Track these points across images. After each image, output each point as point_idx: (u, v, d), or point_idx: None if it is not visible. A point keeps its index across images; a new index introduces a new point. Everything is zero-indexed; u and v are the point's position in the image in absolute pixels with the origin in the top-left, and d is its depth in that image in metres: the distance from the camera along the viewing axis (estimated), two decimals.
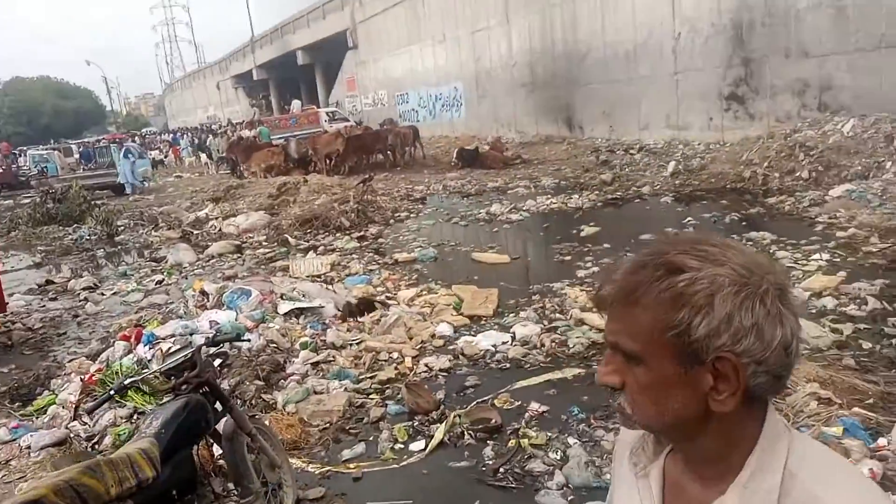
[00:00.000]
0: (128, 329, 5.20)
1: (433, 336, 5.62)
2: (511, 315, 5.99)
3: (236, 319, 5.64)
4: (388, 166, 19.87)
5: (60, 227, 14.25)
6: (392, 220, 11.96)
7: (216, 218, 12.90)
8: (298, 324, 5.77)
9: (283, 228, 11.45)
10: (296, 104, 32.17)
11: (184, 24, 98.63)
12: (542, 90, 22.55)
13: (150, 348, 4.84)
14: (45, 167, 29.50)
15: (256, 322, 5.64)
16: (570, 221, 10.12)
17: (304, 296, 6.32)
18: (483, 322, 5.94)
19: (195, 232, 12.51)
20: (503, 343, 5.32)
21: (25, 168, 30.98)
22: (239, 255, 10.49)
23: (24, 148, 39.11)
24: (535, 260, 8.22)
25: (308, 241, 10.70)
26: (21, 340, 6.90)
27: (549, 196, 12.11)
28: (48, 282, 9.51)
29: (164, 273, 9.28)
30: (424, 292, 7.01)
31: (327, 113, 30.60)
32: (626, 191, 11.75)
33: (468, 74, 26.92)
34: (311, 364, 5.03)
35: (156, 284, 8.80)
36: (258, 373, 4.71)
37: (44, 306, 8.34)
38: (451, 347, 5.39)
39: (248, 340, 4.86)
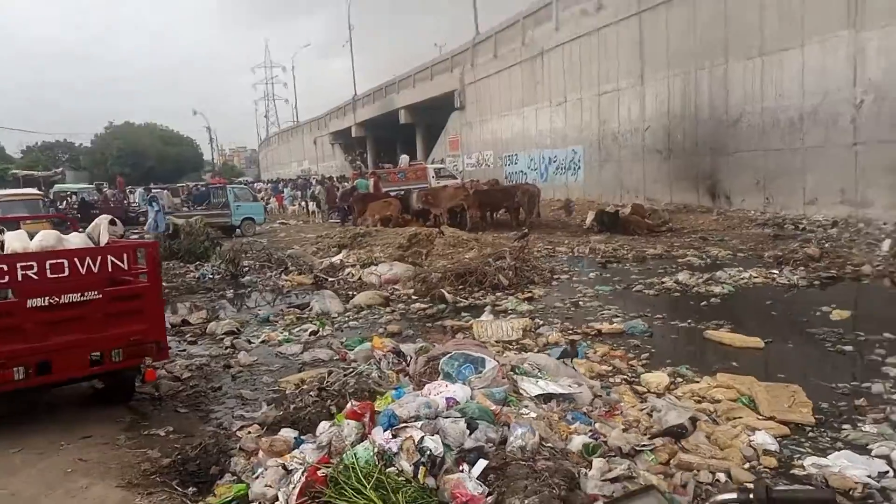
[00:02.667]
0: (358, 404, 3.79)
1: (755, 450, 3.92)
2: (845, 426, 4.24)
3: (472, 398, 4.13)
4: (514, 225, 18.49)
5: (181, 264, 13.43)
6: (553, 282, 10.42)
7: (353, 265, 11.69)
8: (553, 412, 4.19)
9: (432, 282, 10.06)
10: (404, 159, 31.63)
11: (282, 84, 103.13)
12: (681, 156, 20.90)
13: (391, 435, 3.38)
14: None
15: (499, 405, 4.10)
16: (794, 300, 8.30)
17: (539, 371, 4.77)
18: (808, 432, 4.21)
19: (329, 279, 11.31)
20: (882, 473, 3.57)
21: (135, 205, 31.50)
22: (387, 307, 9.17)
23: (133, 187, 40.26)
24: (800, 347, 6.40)
25: (466, 299, 9.25)
26: (170, 392, 5.61)
27: (738, 268, 10.27)
28: (184, 322, 8.38)
29: (317, 323, 7.97)
30: (679, 379, 5.34)
31: (435, 169, 29.81)
32: (839, 269, 9.81)
33: (590, 137, 25.62)
34: (610, 480, 3.42)
35: (310, 335, 7.48)
36: (553, 492, 3.12)
37: (184, 350, 7.11)
38: (796, 472, 3.68)
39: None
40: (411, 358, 5.23)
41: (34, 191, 21.07)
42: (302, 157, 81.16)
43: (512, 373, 4.65)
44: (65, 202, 30.09)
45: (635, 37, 22.42)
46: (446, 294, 9.29)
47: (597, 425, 4.10)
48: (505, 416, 3.99)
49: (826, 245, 11.52)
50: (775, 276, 9.63)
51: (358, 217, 21.05)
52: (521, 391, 4.36)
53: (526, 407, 4.12)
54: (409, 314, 8.66)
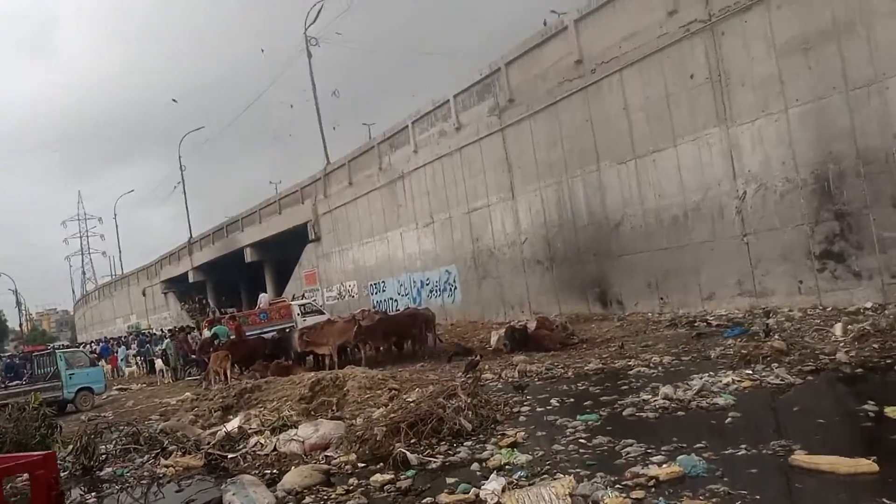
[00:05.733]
0: None
1: None
2: None
3: None
4: (423, 355, 16.63)
5: None
6: (521, 417, 8.66)
7: (258, 432, 9.11)
8: None
9: (376, 440, 7.86)
10: (263, 297, 28.82)
11: (99, 236, 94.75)
12: (564, 265, 20.57)
13: None
14: None
15: None
16: (816, 401, 7.25)
17: None
18: None
19: (230, 455, 8.64)
20: None
21: None
22: (330, 486, 6.83)
23: None
24: None
25: (433, 457, 7.17)
26: None
27: (708, 374, 9.21)
28: None
29: None
30: None
31: (299, 306, 27.41)
32: (815, 360, 9.07)
33: (464, 256, 24.90)
34: None
35: None
36: None
37: None
38: None
39: None
40: None
41: None
42: (129, 312, 73.87)
43: None
44: None
45: (500, 152, 22.52)
46: (408, 454, 7.14)
47: None
48: None
49: (775, 337, 10.91)
50: (759, 378, 8.64)
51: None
52: None
53: None
54: (373, 493, 6.39)
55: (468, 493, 5.74)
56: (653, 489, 5.18)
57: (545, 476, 5.88)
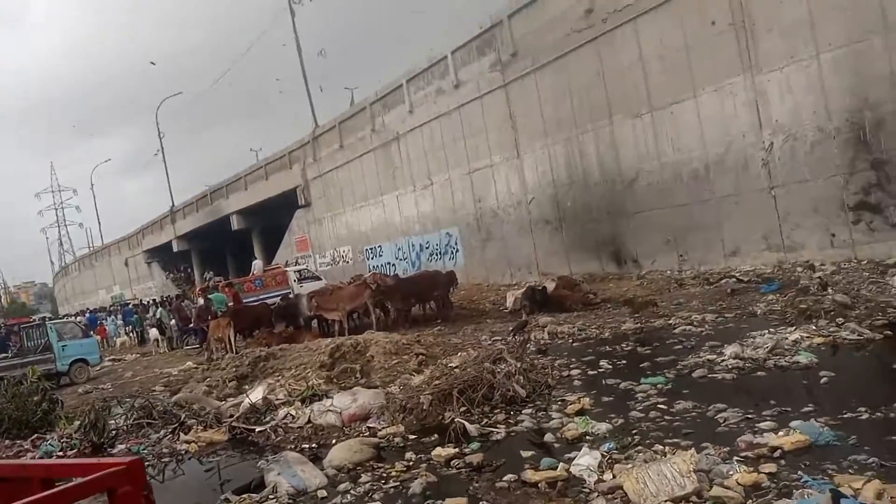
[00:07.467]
0: None
1: None
2: None
3: None
4: (447, 318, 15.90)
5: (9, 441, 9.07)
6: (567, 381, 8.00)
7: (287, 402, 8.34)
8: None
9: (422, 408, 7.15)
10: (257, 264, 27.80)
11: (74, 207, 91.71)
12: (575, 225, 19.85)
13: None
14: None
15: None
16: None
17: None
18: None
19: (258, 429, 7.88)
20: None
21: None
22: (382, 460, 6.12)
23: None
24: None
25: (494, 427, 6.48)
26: None
27: (767, 332, 8.60)
28: None
29: None
30: None
31: (296, 272, 26.52)
32: (884, 314, 8.48)
33: (466, 217, 24.06)
34: None
35: None
36: None
37: None
38: None
39: None
40: None
41: None
42: (111, 283, 72.31)
43: None
44: None
45: (503, 110, 21.57)
46: (467, 425, 6.43)
47: None
48: None
49: (829, 290, 10.30)
50: (829, 333, 8.03)
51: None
52: None
53: None
54: (439, 469, 5.67)
55: (556, 468, 5.03)
56: (782, 461, 4.51)
57: (639, 448, 5.20)
